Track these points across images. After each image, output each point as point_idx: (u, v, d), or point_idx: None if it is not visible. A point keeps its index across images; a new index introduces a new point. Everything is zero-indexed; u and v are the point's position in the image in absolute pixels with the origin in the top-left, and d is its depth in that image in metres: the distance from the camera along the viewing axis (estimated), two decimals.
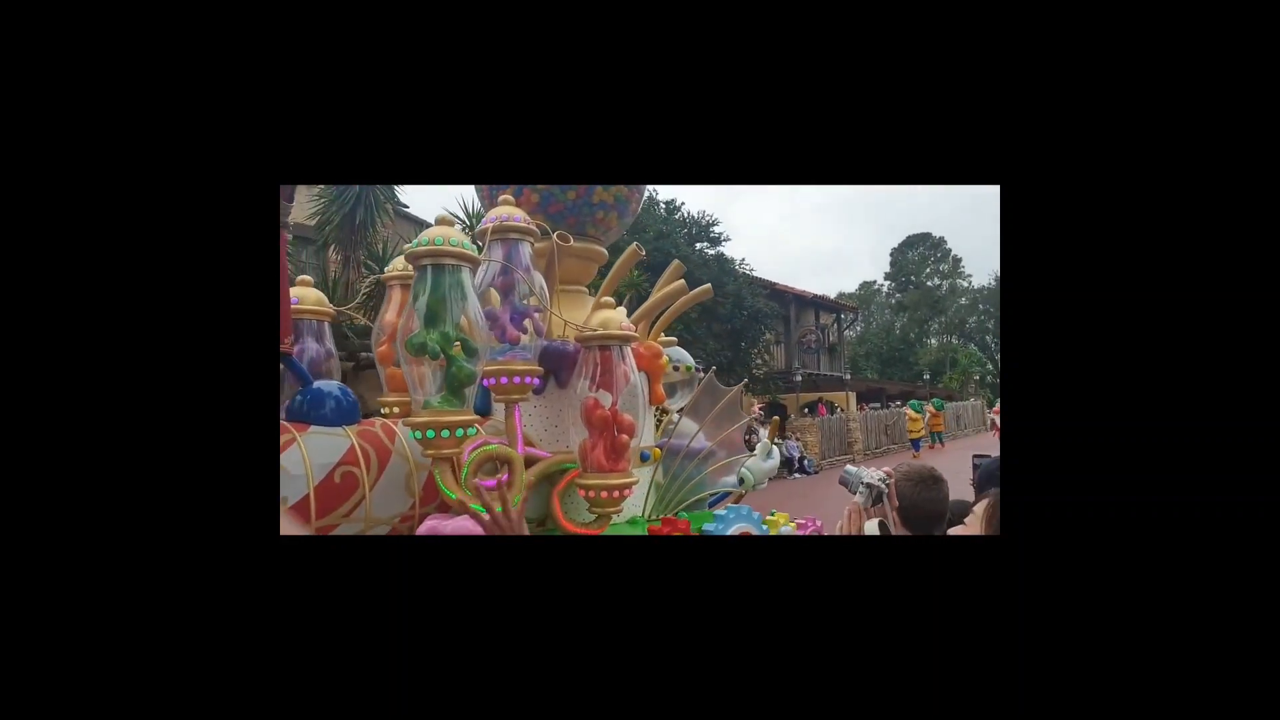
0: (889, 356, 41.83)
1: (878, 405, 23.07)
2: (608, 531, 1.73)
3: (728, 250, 15.90)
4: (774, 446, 2.54)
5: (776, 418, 3.16)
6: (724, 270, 14.74)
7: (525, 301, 1.68)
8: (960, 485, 2.43)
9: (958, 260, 47.30)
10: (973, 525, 1.64)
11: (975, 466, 2.56)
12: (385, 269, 2.05)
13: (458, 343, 1.41)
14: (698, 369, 2.50)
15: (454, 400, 1.43)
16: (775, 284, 19.83)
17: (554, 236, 1.80)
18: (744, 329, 15.08)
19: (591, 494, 1.67)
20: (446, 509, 1.54)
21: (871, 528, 1.86)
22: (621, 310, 1.77)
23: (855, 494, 1.89)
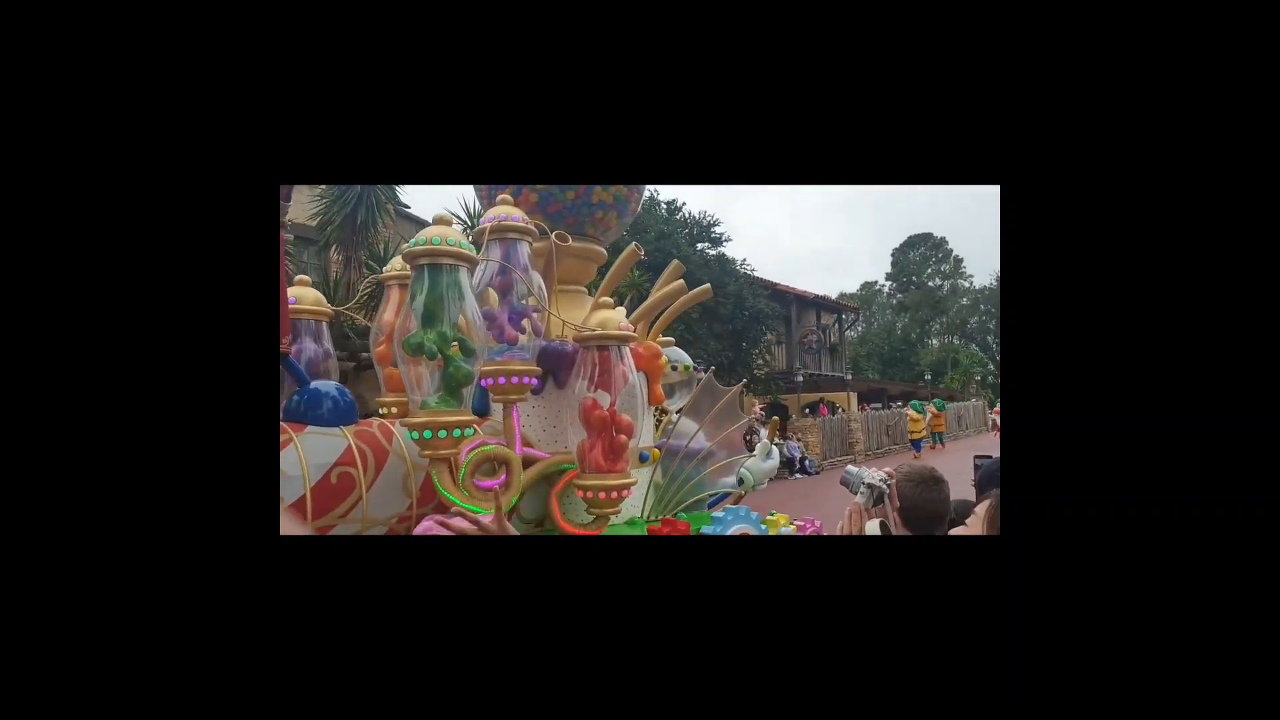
0: (890, 357, 41.82)
1: (879, 406, 23.06)
2: (606, 532, 1.73)
3: (729, 250, 15.91)
4: (773, 446, 2.53)
5: (776, 418, 3.16)
6: (725, 271, 14.73)
7: (523, 301, 1.68)
8: (962, 486, 2.43)
9: (959, 260, 47.32)
10: (974, 526, 1.63)
11: (977, 467, 2.55)
12: (384, 269, 2.05)
13: (455, 343, 1.40)
14: (696, 369, 2.50)
15: (451, 400, 1.43)
16: (776, 284, 19.82)
17: (552, 236, 1.80)
18: (745, 329, 15.07)
19: (589, 495, 1.67)
20: (444, 509, 1.53)
21: (873, 528, 1.85)
22: (620, 310, 1.77)
23: (856, 494, 1.89)
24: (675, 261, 2.22)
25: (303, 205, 9.64)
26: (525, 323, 1.67)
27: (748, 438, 2.83)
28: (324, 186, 9.01)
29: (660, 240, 13.33)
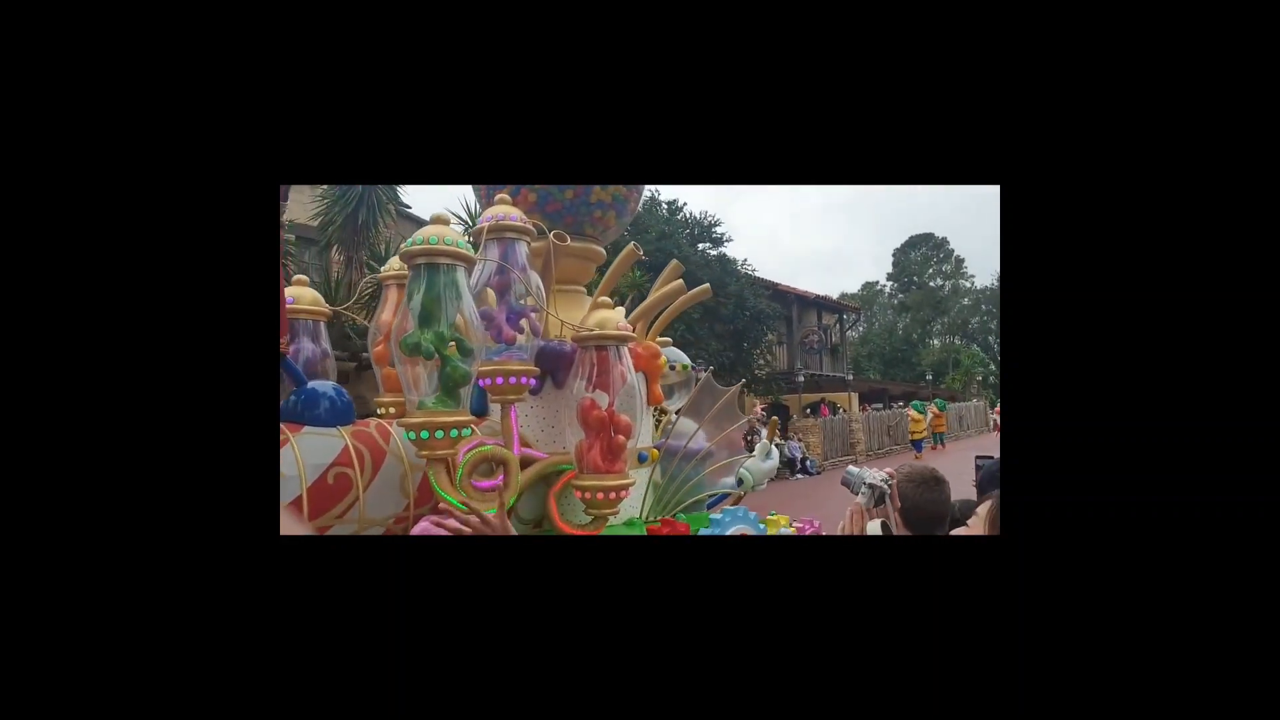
0: (892, 357, 41.78)
1: (880, 406, 23.03)
2: (604, 533, 1.72)
3: (729, 251, 15.89)
4: (773, 446, 2.53)
5: (774, 418, 3.15)
6: (726, 271, 14.72)
7: (521, 301, 1.68)
8: (963, 486, 2.42)
9: (960, 260, 47.25)
10: (976, 526, 1.63)
11: (978, 468, 2.54)
12: (383, 269, 2.04)
13: (452, 343, 1.40)
14: (694, 368, 2.49)
15: (449, 401, 1.42)
16: (777, 284, 19.81)
17: (550, 236, 1.80)
18: (746, 330, 15.06)
19: (588, 495, 1.66)
20: (441, 511, 1.53)
21: (874, 528, 1.85)
22: (620, 310, 1.76)
23: (858, 495, 1.88)
24: (674, 261, 2.21)
25: (304, 205, 9.65)
26: (523, 323, 1.66)
27: (749, 438, 2.82)
28: (325, 187, 9.02)
29: (661, 240, 13.32)
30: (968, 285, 46.42)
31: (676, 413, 2.28)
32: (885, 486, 1.86)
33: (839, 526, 1.92)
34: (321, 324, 1.93)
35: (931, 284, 46.95)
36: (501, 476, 1.54)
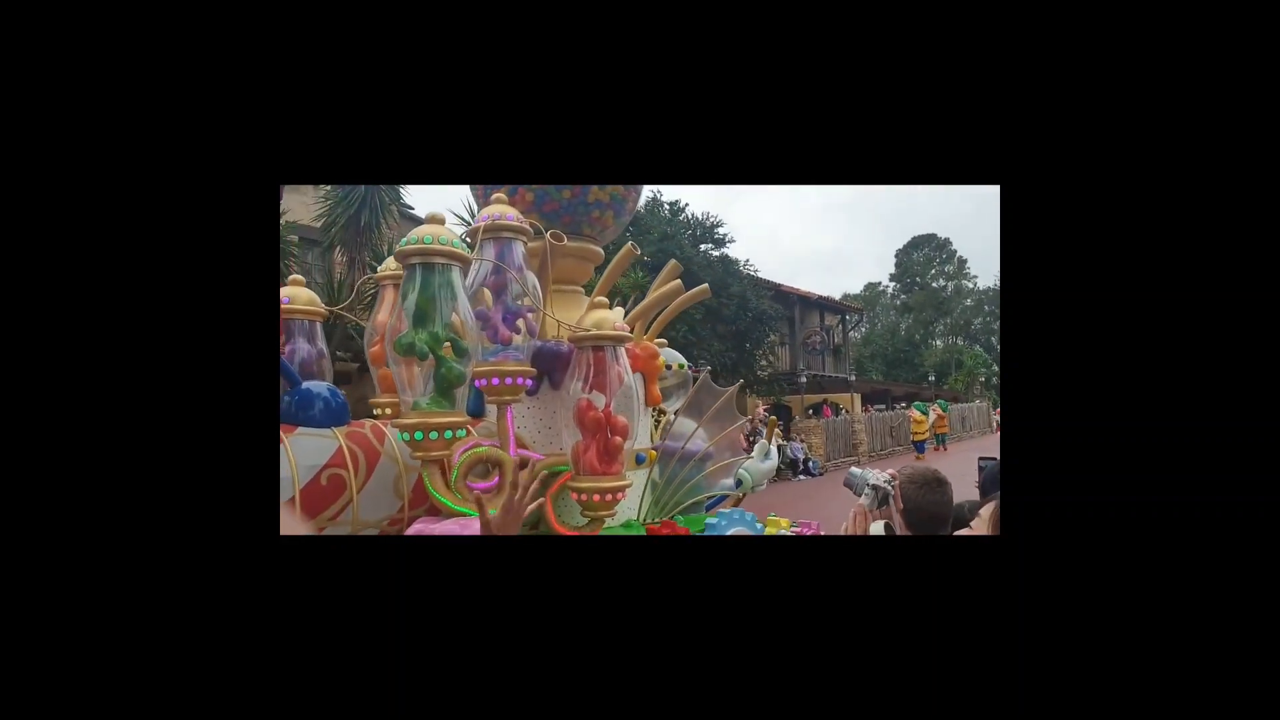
0: (894, 358, 41.72)
1: (883, 407, 22.99)
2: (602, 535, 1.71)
3: (731, 251, 15.86)
4: (771, 447, 2.51)
5: (773, 418, 3.14)
6: (729, 271, 14.69)
7: (518, 301, 1.66)
8: (966, 488, 2.41)
9: (963, 261, 47.20)
10: (979, 528, 1.61)
11: (981, 469, 2.53)
12: (379, 269, 2.04)
13: (447, 343, 1.39)
14: (691, 368, 2.48)
15: (444, 401, 1.42)
16: (780, 285, 19.79)
17: (547, 235, 1.78)
18: (749, 330, 15.03)
19: (584, 497, 1.65)
20: (436, 512, 1.52)
21: (877, 530, 1.84)
22: (618, 310, 1.75)
23: (860, 496, 1.87)
24: (672, 261, 2.20)
25: (307, 206, 9.67)
26: (520, 323, 1.65)
27: (751, 439, 2.81)
28: (328, 188, 9.04)
29: (664, 242, 13.30)
30: (970, 286, 46.38)
31: (675, 413, 2.27)
32: (888, 488, 1.85)
33: (842, 528, 1.91)
34: (317, 324, 1.92)
35: (934, 285, 46.91)
36: (496, 478, 1.53)
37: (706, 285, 2.37)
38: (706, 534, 1.90)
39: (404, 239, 1.43)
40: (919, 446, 18.81)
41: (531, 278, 1.70)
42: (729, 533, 1.91)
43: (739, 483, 2.32)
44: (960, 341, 45.01)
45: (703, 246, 15.05)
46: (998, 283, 1.20)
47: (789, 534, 2.18)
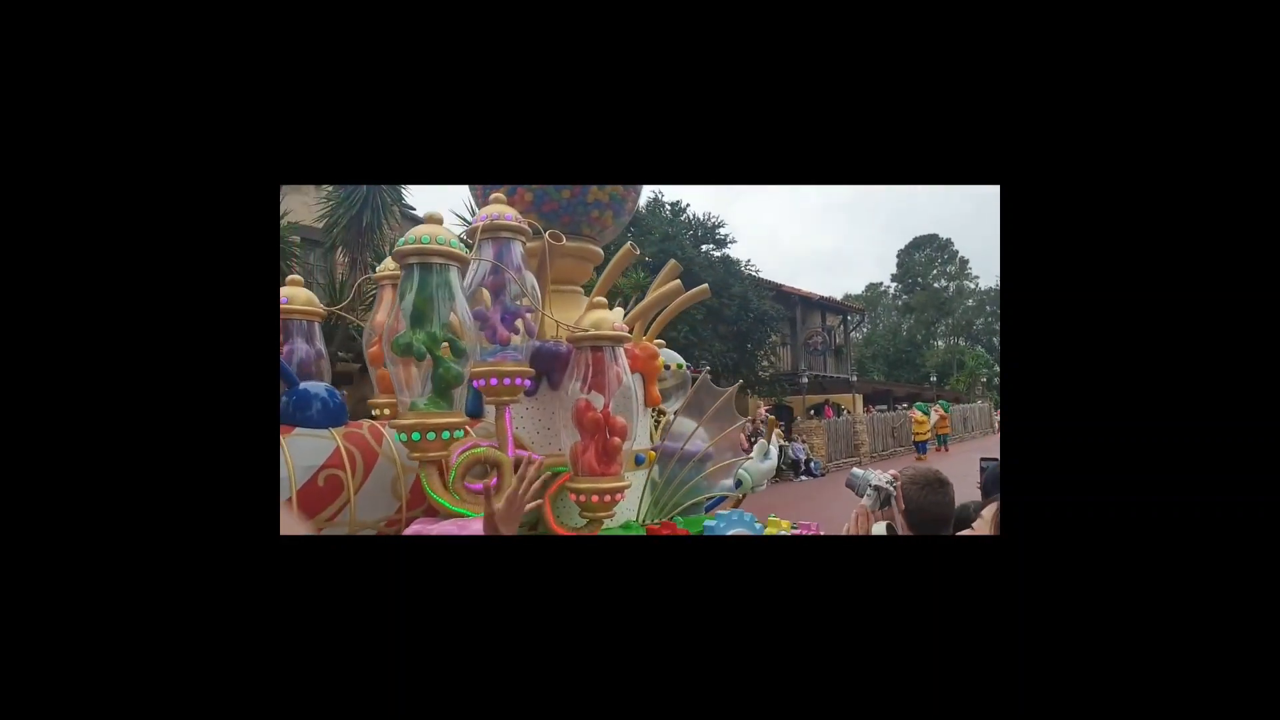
0: (896, 358, 41.66)
1: (884, 408, 22.96)
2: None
3: (732, 252, 15.84)
4: (771, 446, 2.50)
5: (773, 418, 3.14)
6: (730, 272, 14.67)
7: (517, 302, 1.66)
8: (967, 488, 2.39)
9: (965, 261, 47.14)
10: (981, 529, 1.61)
11: (982, 470, 2.51)
12: (378, 269, 2.03)
13: (445, 343, 1.38)
14: (689, 368, 2.47)
15: (441, 402, 1.41)
16: (781, 285, 19.77)
17: (546, 236, 1.78)
18: (750, 331, 15.01)
19: (583, 498, 1.65)
20: (434, 513, 1.51)
21: (879, 531, 1.83)
22: (617, 311, 1.75)
23: (862, 497, 1.86)
24: (671, 261, 2.20)
25: (309, 207, 9.68)
26: (519, 323, 1.65)
27: (752, 439, 2.81)
28: (330, 188, 9.05)
29: (665, 242, 13.29)
30: (972, 286, 46.33)
31: (674, 414, 2.26)
32: (890, 489, 1.84)
33: (844, 529, 1.90)
34: (316, 324, 1.91)
35: (936, 285, 46.87)
36: (494, 478, 1.53)
37: (706, 285, 2.37)
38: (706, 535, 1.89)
39: (402, 239, 1.42)
40: (920, 447, 18.78)
41: (530, 278, 1.69)
42: (729, 534, 1.90)
43: (739, 483, 2.31)
44: (962, 342, 44.96)
45: (704, 247, 15.04)
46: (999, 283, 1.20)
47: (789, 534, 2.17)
